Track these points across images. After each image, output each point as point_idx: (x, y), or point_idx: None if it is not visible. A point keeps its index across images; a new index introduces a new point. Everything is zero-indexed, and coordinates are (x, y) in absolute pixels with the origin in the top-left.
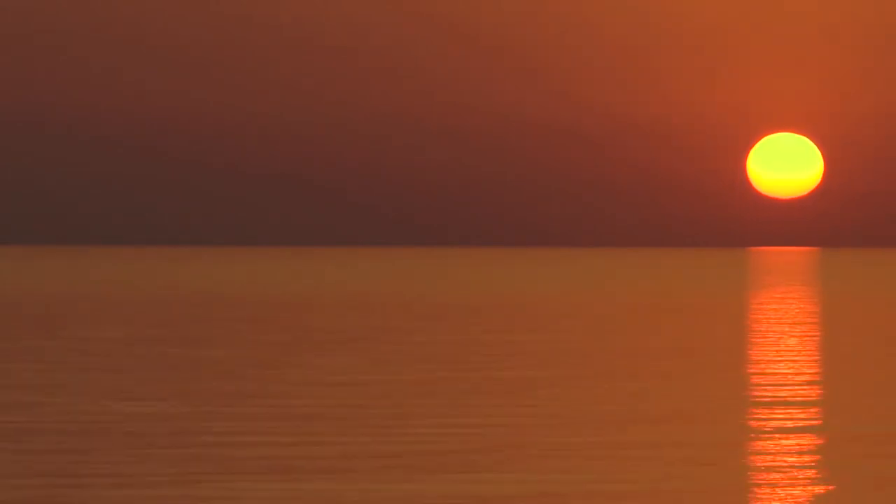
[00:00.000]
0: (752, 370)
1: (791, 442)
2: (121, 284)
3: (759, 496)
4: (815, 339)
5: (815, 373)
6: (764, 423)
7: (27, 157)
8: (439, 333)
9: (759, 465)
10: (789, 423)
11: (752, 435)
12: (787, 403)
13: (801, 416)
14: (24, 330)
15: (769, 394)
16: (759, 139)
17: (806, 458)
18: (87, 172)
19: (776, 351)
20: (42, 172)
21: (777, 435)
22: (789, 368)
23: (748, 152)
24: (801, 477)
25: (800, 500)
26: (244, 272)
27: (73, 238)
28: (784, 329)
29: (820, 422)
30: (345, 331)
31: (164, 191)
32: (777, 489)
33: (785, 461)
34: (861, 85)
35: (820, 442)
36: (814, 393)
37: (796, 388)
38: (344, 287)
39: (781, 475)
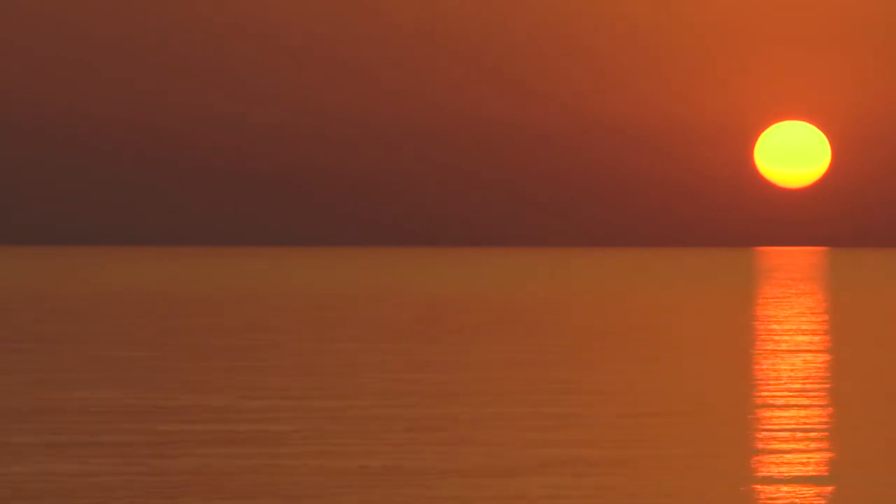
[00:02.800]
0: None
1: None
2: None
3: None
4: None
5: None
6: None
7: (17, 157)
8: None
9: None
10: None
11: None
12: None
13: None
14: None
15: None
16: (765, 130)
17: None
18: (76, 173)
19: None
20: (30, 173)
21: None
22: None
23: (754, 143)
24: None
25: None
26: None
27: (61, 239)
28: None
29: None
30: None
31: (155, 191)
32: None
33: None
34: (867, 72)
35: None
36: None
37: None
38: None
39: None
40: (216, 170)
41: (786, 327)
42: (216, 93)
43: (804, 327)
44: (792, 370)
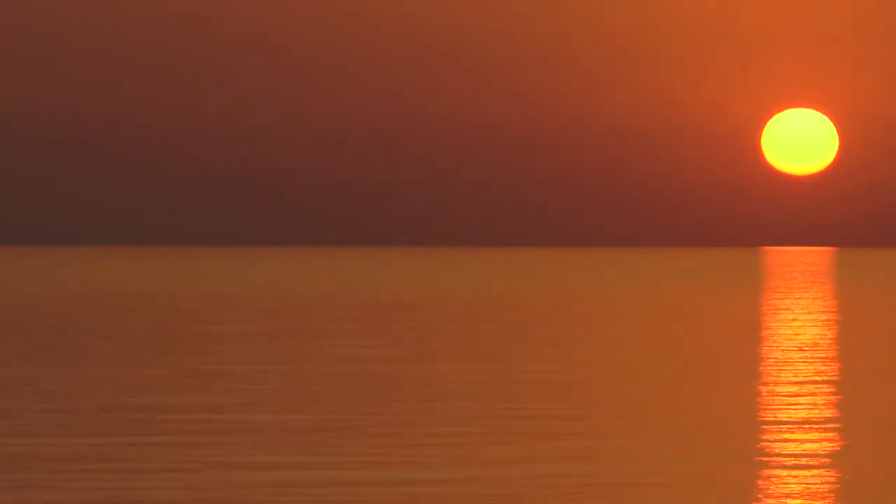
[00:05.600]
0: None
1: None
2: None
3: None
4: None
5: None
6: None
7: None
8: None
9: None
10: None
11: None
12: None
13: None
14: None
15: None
16: (769, 121)
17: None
18: (59, 174)
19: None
20: (14, 173)
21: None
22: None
23: (760, 136)
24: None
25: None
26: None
27: (45, 239)
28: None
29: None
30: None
31: (141, 192)
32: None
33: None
34: (871, 61)
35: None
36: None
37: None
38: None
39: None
40: (205, 171)
41: (795, 332)
42: (204, 94)
43: (812, 335)
44: (801, 383)
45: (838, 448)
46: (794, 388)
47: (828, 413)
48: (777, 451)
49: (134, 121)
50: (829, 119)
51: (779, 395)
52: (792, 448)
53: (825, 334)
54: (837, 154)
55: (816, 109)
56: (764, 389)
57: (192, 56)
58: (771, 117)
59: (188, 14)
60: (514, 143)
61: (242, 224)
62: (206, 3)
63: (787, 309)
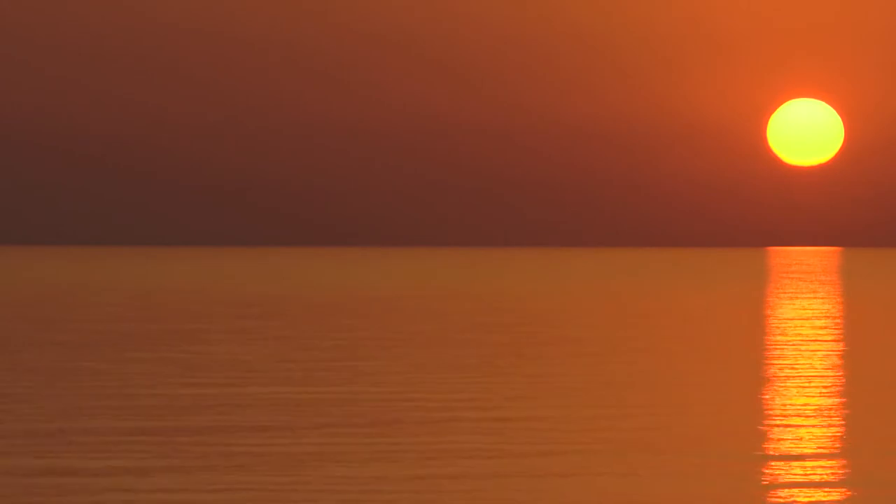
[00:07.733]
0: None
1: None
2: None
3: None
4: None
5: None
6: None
7: None
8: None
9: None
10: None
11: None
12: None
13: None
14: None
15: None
16: (775, 111)
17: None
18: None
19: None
20: None
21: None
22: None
23: (765, 131)
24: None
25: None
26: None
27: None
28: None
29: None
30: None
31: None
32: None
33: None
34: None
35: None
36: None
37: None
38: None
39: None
40: (183, 174)
41: (799, 335)
42: (189, 98)
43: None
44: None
45: (842, 444)
46: (794, 390)
47: (831, 424)
48: (781, 474)
49: (107, 125)
50: (835, 110)
51: (780, 397)
52: (795, 454)
53: (828, 336)
54: (843, 145)
55: (821, 100)
56: (765, 391)
57: (183, 62)
58: (775, 109)
59: (186, 17)
60: (515, 144)
61: (212, 225)
62: (197, 11)
63: (791, 310)
